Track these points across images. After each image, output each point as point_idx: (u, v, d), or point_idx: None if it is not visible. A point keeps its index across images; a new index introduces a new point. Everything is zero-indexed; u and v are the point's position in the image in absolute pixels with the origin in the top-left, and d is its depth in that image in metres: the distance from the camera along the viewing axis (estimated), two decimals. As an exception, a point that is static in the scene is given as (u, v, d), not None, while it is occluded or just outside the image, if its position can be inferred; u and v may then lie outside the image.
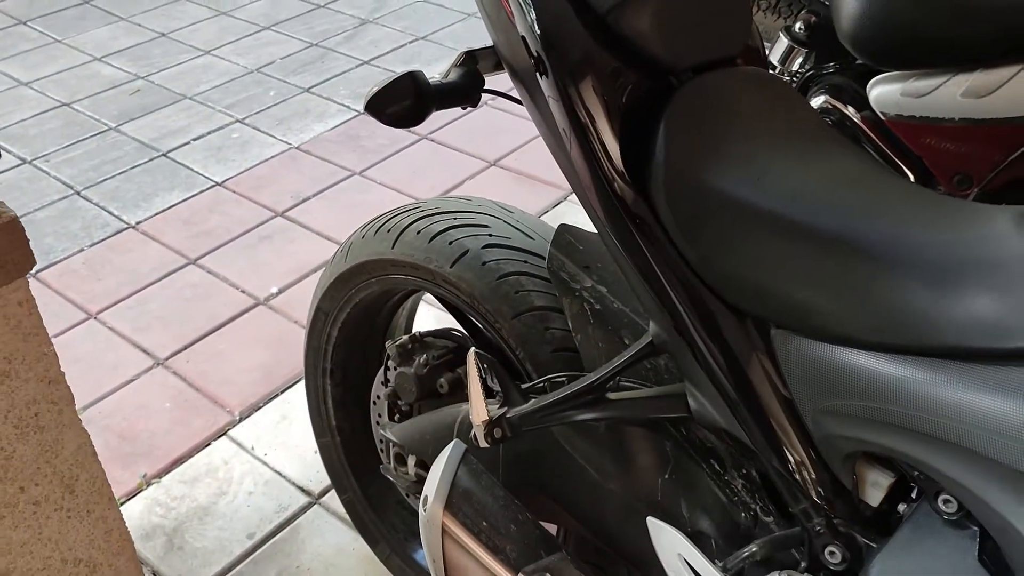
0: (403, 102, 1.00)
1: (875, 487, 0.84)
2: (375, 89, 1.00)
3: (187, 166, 2.98)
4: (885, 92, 1.35)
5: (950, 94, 1.28)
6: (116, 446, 1.95)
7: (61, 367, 0.87)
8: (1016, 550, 0.72)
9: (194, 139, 3.13)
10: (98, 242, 2.64)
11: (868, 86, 1.38)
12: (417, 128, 3.05)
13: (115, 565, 1.01)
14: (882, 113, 1.37)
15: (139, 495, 1.85)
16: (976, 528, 0.77)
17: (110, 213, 2.77)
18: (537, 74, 0.90)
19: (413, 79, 1.00)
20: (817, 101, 1.48)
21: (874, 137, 1.42)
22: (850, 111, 1.46)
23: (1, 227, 0.74)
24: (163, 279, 2.47)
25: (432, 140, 3.01)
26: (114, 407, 2.05)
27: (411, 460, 1.27)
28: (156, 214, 2.75)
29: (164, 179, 2.92)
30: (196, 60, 3.66)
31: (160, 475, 1.89)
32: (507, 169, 2.84)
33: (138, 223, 2.71)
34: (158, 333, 2.27)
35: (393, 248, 1.27)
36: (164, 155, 3.05)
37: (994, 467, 0.70)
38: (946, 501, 0.78)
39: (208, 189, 2.85)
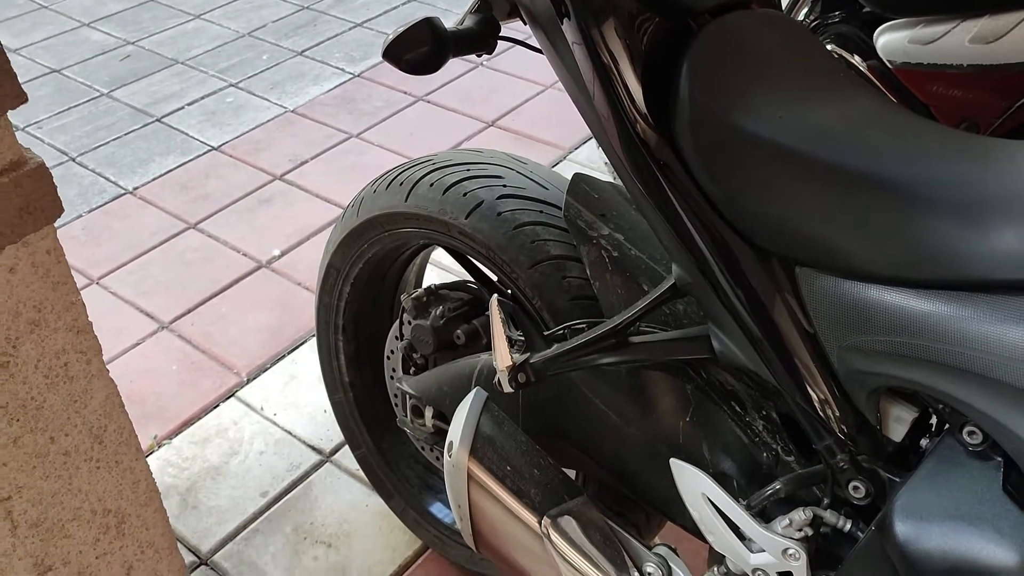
0: (420, 48, 1.00)
1: (898, 422, 0.86)
2: (392, 36, 1.00)
3: (182, 131, 2.95)
4: (892, 40, 1.35)
5: (958, 40, 1.28)
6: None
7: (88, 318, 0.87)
8: (1042, 476, 0.74)
9: (188, 104, 3.10)
10: (96, 208, 2.62)
11: (875, 34, 1.38)
12: (413, 89, 3.03)
13: (143, 516, 1.02)
14: (889, 61, 1.37)
15: (151, 456, 1.86)
16: (1000, 459, 0.78)
17: (106, 179, 2.75)
18: (558, 18, 0.90)
19: (430, 25, 1.00)
20: (824, 50, 1.48)
21: (880, 86, 1.42)
22: (856, 60, 1.45)
23: (29, 173, 0.73)
24: (163, 244, 2.46)
25: (428, 101, 2.99)
26: (121, 370, 2.04)
27: (428, 412, 1.28)
28: (153, 179, 2.73)
29: (159, 144, 2.90)
30: (186, 25, 3.62)
31: (170, 436, 1.90)
32: (505, 129, 2.83)
33: (135, 188, 2.69)
34: (161, 297, 2.27)
35: (406, 201, 1.27)
36: (158, 120, 3.02)
37: (1021, 396, 0.71)
38: (971, 432, 0.79)
39: (204, 154, 2.83)
